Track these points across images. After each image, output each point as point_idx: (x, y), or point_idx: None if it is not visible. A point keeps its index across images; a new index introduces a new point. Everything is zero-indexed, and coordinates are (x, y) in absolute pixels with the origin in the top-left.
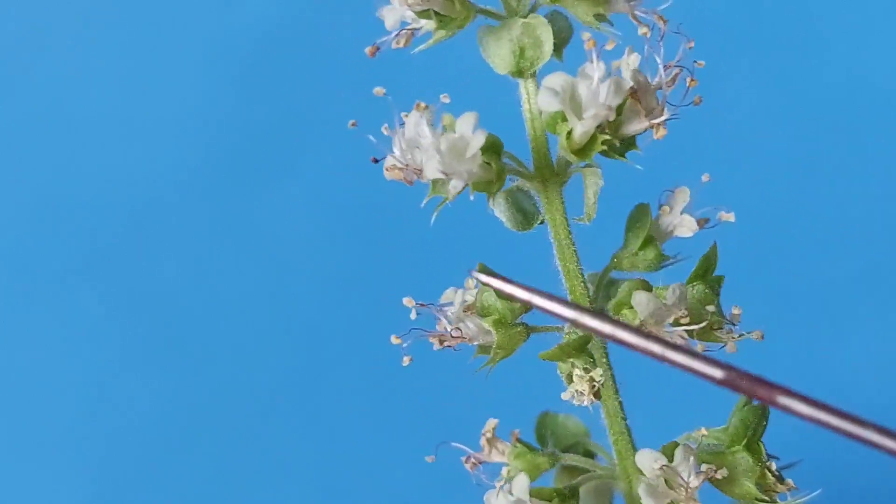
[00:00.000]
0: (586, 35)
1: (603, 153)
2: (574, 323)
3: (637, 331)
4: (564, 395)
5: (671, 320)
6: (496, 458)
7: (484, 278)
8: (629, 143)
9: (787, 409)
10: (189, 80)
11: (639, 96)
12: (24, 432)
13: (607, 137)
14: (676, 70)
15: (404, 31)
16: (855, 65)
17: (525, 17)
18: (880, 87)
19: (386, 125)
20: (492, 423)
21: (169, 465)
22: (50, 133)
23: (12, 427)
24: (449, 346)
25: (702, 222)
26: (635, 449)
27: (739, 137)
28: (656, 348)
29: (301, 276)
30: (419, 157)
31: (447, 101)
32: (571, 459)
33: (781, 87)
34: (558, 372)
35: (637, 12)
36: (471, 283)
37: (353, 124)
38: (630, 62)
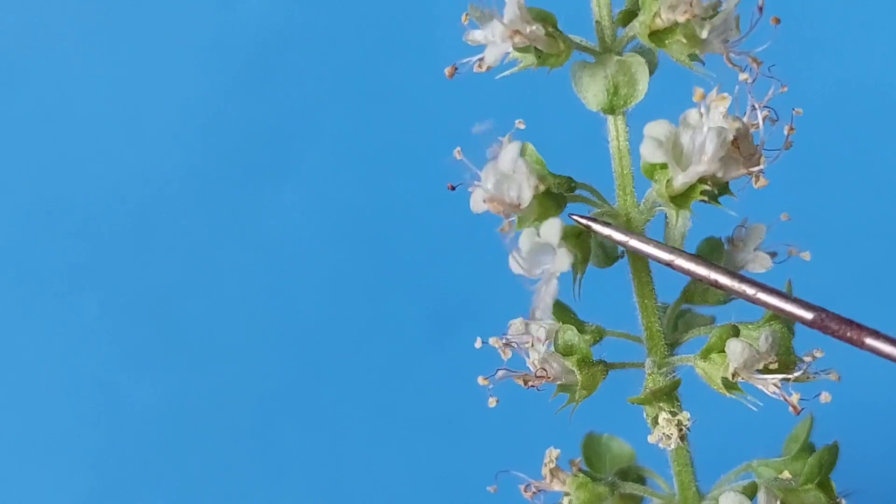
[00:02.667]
0: (699, 91)
1: (700, 201)
2: (669, 265)
3: (732, 273)
4: (651, 438)
5: (760, 366)
6: (556, 487)
7: (584, 221)
8: (723, 188)
9: (875, 351)
10: (189, 79)
11: (738, 143)
12: (24, 432)
13: (707, 187)
14: (765, 112)
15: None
16: (854, 65)
17: (620, 54)
18: (881, 87)
19: (459, 149)
20: (554, 452)
21: (169, 464)
22: (50, 133)
23: (12, 427)
24: (533, 387)
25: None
26: (697, 480)
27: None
28: (749, 290)
29: (301, 276)
30: (513, 192)
31: (522, 126)
32: (630, 488)
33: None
34: (644, 415)
35: (731, 54)
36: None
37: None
38: (717, 104)
